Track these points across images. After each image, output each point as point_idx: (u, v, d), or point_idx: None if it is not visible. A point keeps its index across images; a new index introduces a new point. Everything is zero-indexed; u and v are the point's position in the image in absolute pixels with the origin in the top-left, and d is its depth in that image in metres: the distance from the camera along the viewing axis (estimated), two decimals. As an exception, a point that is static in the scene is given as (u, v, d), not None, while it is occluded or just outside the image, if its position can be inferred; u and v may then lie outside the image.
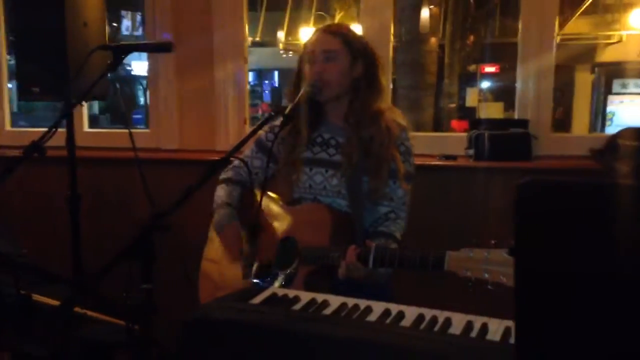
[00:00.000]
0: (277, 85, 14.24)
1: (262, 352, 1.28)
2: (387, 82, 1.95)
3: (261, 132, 2.02)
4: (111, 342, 2.09)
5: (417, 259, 1.58)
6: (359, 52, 1.87)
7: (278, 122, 1.93)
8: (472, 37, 11.31)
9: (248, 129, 3.11)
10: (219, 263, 2.02)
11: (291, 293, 1.47)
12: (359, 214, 1.87)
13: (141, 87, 13.46)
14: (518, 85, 2.79)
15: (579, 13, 11.10)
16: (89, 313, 2.03)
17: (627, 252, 0.81)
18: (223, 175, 2.07)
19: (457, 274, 1.48)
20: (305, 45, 1.91)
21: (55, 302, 1.94)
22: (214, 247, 2.07)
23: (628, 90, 6.32)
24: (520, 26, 2.75)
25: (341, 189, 1.89)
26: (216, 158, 2.96)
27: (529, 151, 2.65)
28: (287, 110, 1.73)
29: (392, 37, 2.94)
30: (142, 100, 13.20)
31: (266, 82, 14.75)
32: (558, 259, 0.81)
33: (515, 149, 2.64)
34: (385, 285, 1.86)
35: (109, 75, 1.84)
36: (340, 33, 1.87)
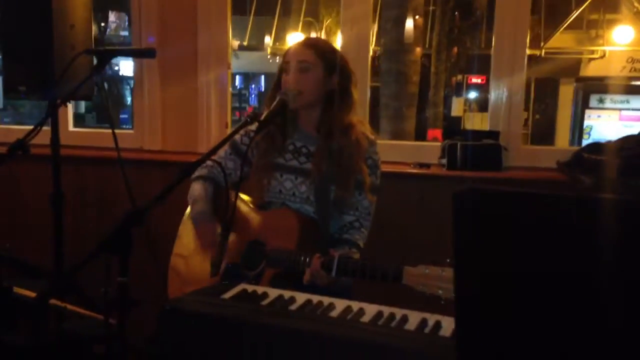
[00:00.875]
0: (263, 89, 14.35)
1: (231, 344, 1.36)
2: (359, 96, 2.04)
3: (237, 136, 2.10)
4: (89, 335, 2.16)
5: (377, 271, 1.66)
6: (333, 66, 1.96)
7: (254, 127, 2.01)
8: (456, 48, 11.49)
9: (229, 132, 3.19)
10: (187, 258, 2.08)
11: (260, 289, 1.55)
12: (325, 221, 1.95)
13: (128, 87, 13.49)
14: (491, 97, 2.90)
15: (563, 28, 11.33)
16: (69, 307, 2.10)
17: (555, 254, 0.90)
18: (197, 173, 2.13)
19: (413, 288, 1.55)
20: (285, 54, 2.00)
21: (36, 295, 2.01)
22: (183, 243, 2.14)
23: (605, 106, 6.48)
24: (493, 41, 2.86)
25: (309, 195, 1.97)
26: (186, 160, 3.06)
27: (499, 162, 2.75)
28: (262, 117, 1.81)
29: (371, 48, 3.03)
30: (129, 100, 13.22)
31: (253, 86, 14.83)
32: (492, 261, 0.90)
33: (486, 159, 2.74)
34: (346, 290, 1.94)
35: (94, 75, 1.90)
36: (316, 46, 1.96)
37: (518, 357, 0.93)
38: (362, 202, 1.97)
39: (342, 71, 1.97)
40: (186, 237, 2.13)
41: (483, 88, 12.36)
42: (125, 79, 13.25)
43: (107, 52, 1.87)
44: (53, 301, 2.07)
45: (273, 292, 1.53)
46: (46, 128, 3.31)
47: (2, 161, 1.69)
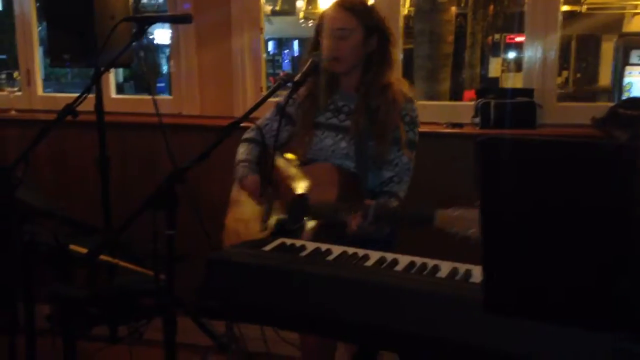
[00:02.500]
0: (296, 54, 14.32)
1: (273, 292, 1.45)
2: (397, 55, 2.08)
3: (280, 99, 2.17)
4: (138, 289, 2.30)
5: (410, 215, 1.75)
6: (373, 27, 2.00)
7: (289, 86, 2.08)
8: (492, 6, 11.23)
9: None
10: (247, 222, 2.18)
11: (298, 242, 1.63)
12: (364, 175, 2.03)
13: (164, 56, 13.64)
14: (526, 54, 2.88)
15: (605, -18, 10.94)
16: (120, 263, 2.23)
17: (569, 193, 0.95)
18: (245, 135, 2.25)
19: (444, 229, 1.62)
20: (322, 16, 2.05)
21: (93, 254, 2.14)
22: (241, 207, 2.24)
23: (646, 62, 6.28)
24: None
25: (349, 151, 2.04)
26: (223, 124, 3.14)
27: (534, 119, 2.76)
28: (296, 78, 1.87)
29: (402, 8, 3.03)
30: (165, 69, 13.39)
31: (286, 51, 14.82)
32: (515, 202, 0.96)
33: (520, 117, 2.75)
34: (388, 244, 2.00)
35: (134, 42, 1.98)
36: (354, 9, 1.99)
37: (541, 294, 0.99)
38: (400, 158, 2.04)
39: (381, 31, 2.02)
40: (244, 202, 2.23)
41: (522, 47, 12.04)
42: (160, 47, 13.40)
43: (146, 19, 1.94)
44: (105, 257, 2.21)
45: (310, 245, 1.61)
46: (89, 95, 3.46)
47: (54, 125, 1.79)
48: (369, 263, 1.48)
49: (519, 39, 12.07)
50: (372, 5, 2.13)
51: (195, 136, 3.25)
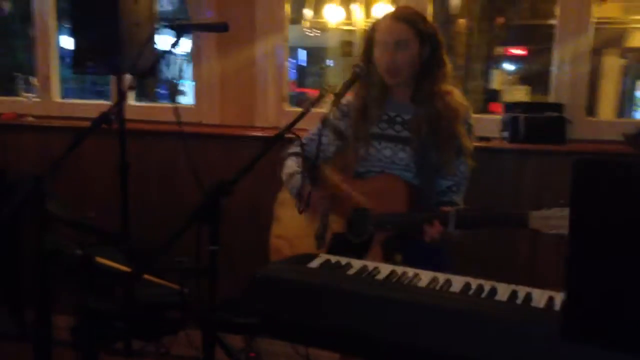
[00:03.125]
0: (301, 63, 14.28)
1: (319, 310, 1.39)
2: (450, 63, 2.02)
3: (328, 112, 2.12)
4: (165, 302, 2.24)
5: (500, 218, 1.74)
6: (427, 36, 1.95)
7: (345, 101, 2.04)
8: (497, 19, 11.22)
9: (287, 106, 3.21)
10: (291, 239, 2.13)
11: (343, 260, 1.58)
12: (427, 187, 1.99)
13: (164, 62, 13.58)
14: (554, 68, 2.84)
15: (609, -3, 10.96)
16: (146, 276, 2.17)
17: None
18: (291, 150, 2.19)
19: (541, 231, 1.61)
20: (374, 28, 2.01)
21: (116, 264, 2.09)
22: (283, 225, 2.19)
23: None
24: (558, 9, 2.80)
25: (409, 162, 2.00)
26: (256, 134, 3.09)
27: (564, 135, 2.71)
28: (337, 90, 1.83)
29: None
30: (165, 75, 13.32)
31: (292, 60, 14.77)
32: (608, 224, 0.91)
33: (550, 132, 2.71)
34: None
35: (171, 50, 1.93)
36: (409, 19, 1.95)
37: (628, 323, 0.94)
38: (459, 167, 2.00)
39: (434, 39, 1.97)
40: (286, 218, 2.18)
41: (524, 60, 12.06)
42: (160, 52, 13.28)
43: (183, 27, 1.89)
44: (126, 268, 2.16)
45: (356, 263, 1.56)
46: (106, 102, 3.42)
47: (88, 133, 1.74)
48: (422, 284, 1.42)
49: (517, 51, 12.07)
50: (424, 14, 2.08)
51: (215, 145, 3.20)
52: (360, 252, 1.91)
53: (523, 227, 1.64)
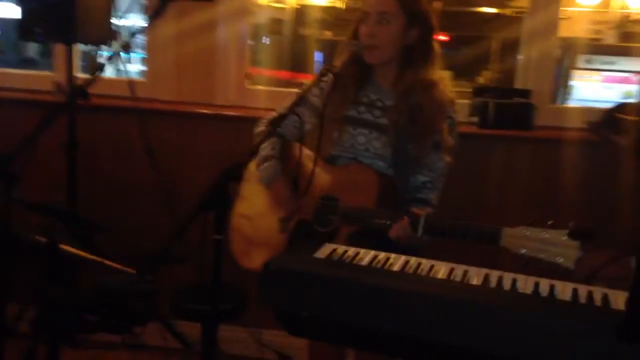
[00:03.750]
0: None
1: (338, 304, 1.32)
2: (440, 49, 1.93)
3: (305, 88, 2.01)
4: (127, 290, 2.09)
5: (470, 232, 1.59)
6: (416, 17, 1.85)
7: (325, 77, 1.93)
8: (434, 4, 11.32)
9: (248, 84, 3.08)
10: (252, 218, 2.02)
11: (350, 250, 1.50)
12: (402, 179, 1.89)
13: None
14: (521, 55, 2.85)
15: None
16: (107, 262, 2.01)
17: None
18: (262, 128, 2.05)
19: (511, 250, 1.47)
20: (362, 3, 1.91)
21: (82, 252, 1.92)
22: (248, 203, 2.07)
23: (591, 66, 6.55)
24: None
25: (383, 152, 1.91)
26: (208, 112, 2.93)
27: (531, 121, 2.74)
28: (337, 70, 1.73)
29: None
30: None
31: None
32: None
33: (518, 118, 2.73)
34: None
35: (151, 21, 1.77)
36: None
37: None
38: (437, 162, 1.92)
39: (424, 22, 1.87)
40: (251, 197, 2.06)
41: (447, 46, 12.27)
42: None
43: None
44: (87, 254, 1.99)
45: (364, 253, 1.49)
46: (49, 73, 3.14)
47: (63, 109, 1.56)
48: (441, 275, 1.37)
49: (440, 37, 12.27)
50: None
51: (171, 123, 3.03)
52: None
53: (493, 244, 1.51)
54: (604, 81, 7.12)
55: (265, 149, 1.97)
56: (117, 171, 3.04)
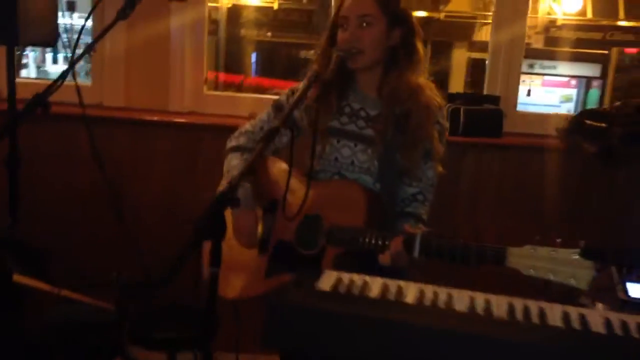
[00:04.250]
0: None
1: (352, 341, 1.18)
2: (423, 53, 1.79)
3: (280, 96, 1.85)
4: (90, 322, 1.88)
5: (473, 253, 1.46)
6: (397, 16, 1.72)
7: (299, 85, 1.78)
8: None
9: (207, 89, 2.89)
10: (226, 240, 1.85)
11: (356, 278, 1.36)
12: (390, 194, 1.76)
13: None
14: (488, 60, 2.81)
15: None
16: (68, 294, 1.80)
17: None
18: (233, 143, 1.88)
19: (520, 271, 1.36)
20: (338, 7, 1.75)
21: (38, 283, 1.69)
22: None
23: (534, 71, 6.73)
24: (494, 5, 2.77)
25: (370, 165, 1.77)
26: (159, 119, 2.71)
27: (500, 128, 2.69)
28: (325, 76, 1.59)
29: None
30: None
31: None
32: None
33: (488, 125, 2.67)
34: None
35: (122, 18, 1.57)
36: None
37: None
38: (426, 172, 1.79)
39: (406, 23, 1.74)
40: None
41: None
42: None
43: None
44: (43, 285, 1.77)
45: (373, 281, 1.35)
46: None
47: (22, 118, 1.35)
48: (461, 307, 1.26)
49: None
50: None
51: (119, 132, 2.79)
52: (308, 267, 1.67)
53: (498, 265, 1.40)
54: (544, 85, 7.34)
55: (235, 168, 1.79)
56: (62, 182, 2.77)
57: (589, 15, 7.22)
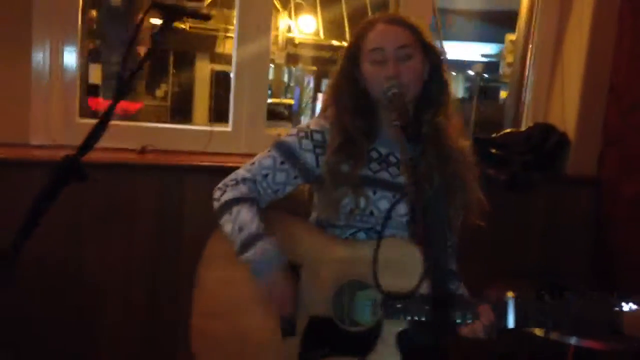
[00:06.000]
0: None
1: None
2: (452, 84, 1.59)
3: (291, 138, 1.56)
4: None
5: (583, 319, 1.27)
6: (429, 47, 1.53)
7: (317, 126, 1.56)
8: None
9: (79, 118, 2.35)
10: (222, 316, 1.54)
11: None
12: (439, 252, 1.47)
13: None
14: (234, 74, 2.53)
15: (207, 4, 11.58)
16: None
17: None
18: (230, 194, 1.50)
19: (637, 336, 1.21)
20: (361, 36, 1.52)
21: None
22: (210, 295, 1.57)
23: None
24: (236, 15, 2.52)
25: (408, 219, 1.53)
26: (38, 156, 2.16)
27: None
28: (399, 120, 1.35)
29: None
30: None
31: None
32: None
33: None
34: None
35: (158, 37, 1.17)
36: (411, 25, 1.51)
37: None
38: (456, 221, 1.59)
39: (435, 54, 1.54)
40: (215, 285, 1.56)
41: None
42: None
43: (175, 10, 1.18)
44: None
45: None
46: None
47: None
48: None
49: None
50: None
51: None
52: (358, 350, 1.42)
53: (615, 332, 1.23)
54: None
55: (247, 223, 1.45)
56: None
57: (322, 35, 7.86)
